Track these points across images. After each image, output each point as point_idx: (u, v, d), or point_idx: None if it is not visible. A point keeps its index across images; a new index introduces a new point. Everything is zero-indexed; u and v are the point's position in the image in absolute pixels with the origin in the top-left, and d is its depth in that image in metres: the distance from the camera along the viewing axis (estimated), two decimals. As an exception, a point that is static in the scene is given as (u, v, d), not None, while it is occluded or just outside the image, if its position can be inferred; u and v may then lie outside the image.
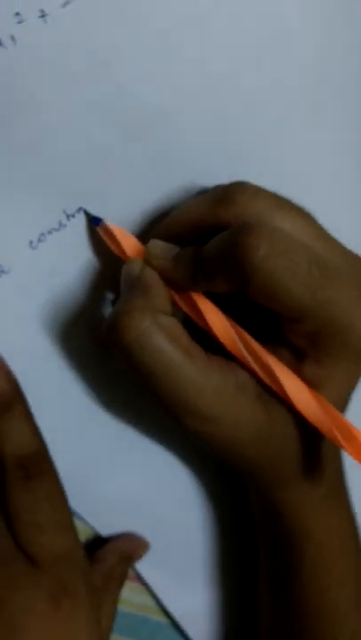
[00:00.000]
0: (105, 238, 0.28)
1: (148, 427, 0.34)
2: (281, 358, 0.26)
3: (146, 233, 0.29)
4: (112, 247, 0.28)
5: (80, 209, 0.28)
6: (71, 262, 0.29)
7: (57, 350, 0.30)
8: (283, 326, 0.26)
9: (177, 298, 0.27)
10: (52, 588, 0.26)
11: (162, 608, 0.36)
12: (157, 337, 0.24)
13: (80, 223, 0.29)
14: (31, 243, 0.28)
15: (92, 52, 0.26)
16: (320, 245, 0.25)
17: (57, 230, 0.28)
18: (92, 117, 0.27)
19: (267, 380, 0.26)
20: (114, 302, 0.31)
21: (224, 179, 0.27)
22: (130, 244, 0.28)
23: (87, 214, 0.28)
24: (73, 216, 0.28)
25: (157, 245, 0.27)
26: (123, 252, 0.28)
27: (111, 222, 0.28)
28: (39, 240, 0.28)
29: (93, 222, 0.28)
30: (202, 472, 0.35)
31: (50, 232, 0.28)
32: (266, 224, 0.24)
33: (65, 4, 0.24)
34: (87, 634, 0.27)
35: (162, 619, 0.37)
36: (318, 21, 0.28)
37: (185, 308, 0.27)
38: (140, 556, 0.33)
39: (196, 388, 0.25)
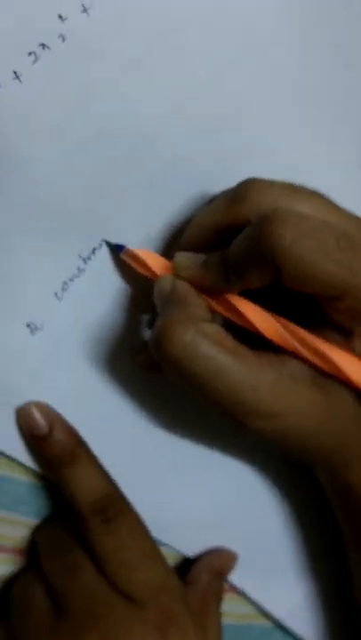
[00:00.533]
0: (131, 263, 0.29)
1: (208, 439, 0.34)
2: (328, 340, 0.26)
3: (168, 249, 0.30)
4: (140, 270, 0.28)
5: (94, 249, 0.29)
6: (99, 300, 0.30)
7: (106, 386, 0.31)
8: (323, 309, 0.26)
9: (213, 303, 0.27)
10: (156, 620, 0.26)
11: (263, 612, 0.36)
12: (203, 345, 0.24)
13: (97, 262, 0.29)
14: (56, 294, 0.28)
15: (67, 100, 0.26)
16: (341, 221, 0.25)
17: (77, 276, 0.29)
18: (80, 159, 0.27)
19: (319, 363, 0.26)
20: (150, 324, 0.31)
21: (227, 183, 0.28)
22: (157, 263, 0.28)
23: (109, 245, 0.29)
24: (89, 258, 0.29)
25: (184, 257, 0.27)
26: (151, 271, 0.28)
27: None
28: (63, 289, 0.28)
29: (117, 249, 0.29)
30: (269, 471, 0.35)
31: (71, 279, 0.28)
32: (287, 210, 0.24)
33: (35, 62, 0.25)
34: (200, 656, 0.27)
35: (265, 622, 0.37)
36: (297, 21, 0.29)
37: (223, 312, 0.27)
38: (231, 568, 0.34)
39: (252, 388, 0.25)
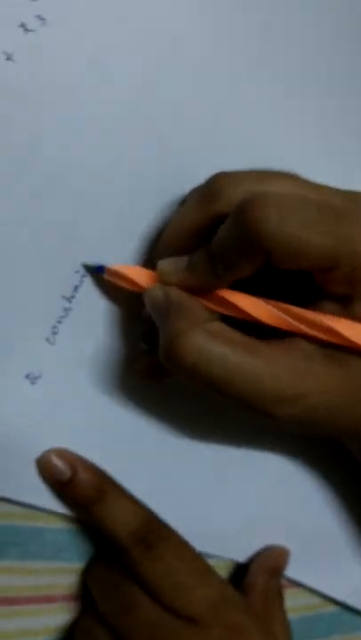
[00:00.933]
0: (116, 281, 0.28)
1: (233, 441, 0.34)
2: (329, 312, 0.26)
3: (148, 260, 0.30)
4: (126, 285, 0.28)
5: (76, 287, 0.29)
6: (91, 332, 0.30)
7: (121, 410, 0.31)
8: (317, 282, 0.26)
9: (205, 302, 0.26)
10: (222, 636, 0.26)
11: (327, 599, 0.36)
12: (215, 346, 0.24)
13: (82, 296, 0.29)
14: (48, 339, 0.28)
15: (9, 150, 0.26)
16: (319, 194, 0.25)
17: (65, 316, 0.29)
18: (36, 204, 0.27)
19: (327, 337, 0.25)
20: (146, 336, 0.30)
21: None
22: (140, 275, 0.28)
23: (88, 268, 0.29)
24: (73, 297, 0.29)
25: (167, 263, 0.27)
26: (137, 284, 0.28)
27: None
28: (53, 333, 0.28)
29: (98, 271, 0.28)
30: (299, 459, 0.35)
31: (60, 321, 0.28)
32: (263, 193, 0.24)
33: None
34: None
35: (332, 608, 0.37)
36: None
37: (217, 309, 0.27)
38: (286, 564, 0.34)
39: (271, 377, 0.24)
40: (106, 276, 0.29)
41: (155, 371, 0.29)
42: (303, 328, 0.26)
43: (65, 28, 0.26)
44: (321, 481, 0.36)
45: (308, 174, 0.27)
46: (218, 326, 0.25)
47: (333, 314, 0.26)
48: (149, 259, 0.29)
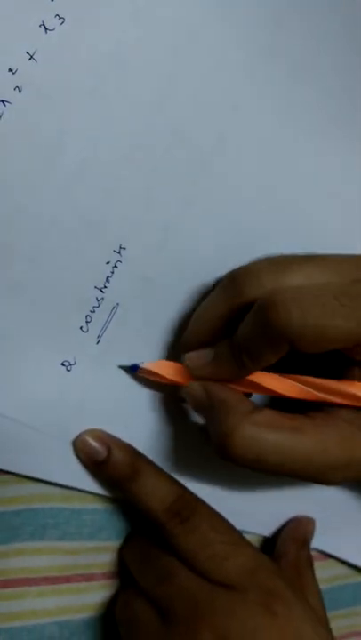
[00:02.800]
0: (149, 377, 0.30)
1: None
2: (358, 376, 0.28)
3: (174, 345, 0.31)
4: (159, 380, 0.30)
5: (108, 277, 0.30)
6: (123, 320, 0.31)
7: (150, 393, 0.32)
8: (346, 353, 0.27)
9: (236, 387, 0.28)
10: (260, 600, 0.27)
11: (352, 571, 0.37)
12: (268, 437, 0.26)
13: (114, 286, 0.30)
14: (82, 328, 0.30)
15: (35, 149, 0.27)
16: (336, 274, 0.27)
17: (98, 306, 0.30)
18: (66, 200, 0.28)
19: (352, 403, 0.27)
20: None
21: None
22: (171, 370, 0.30)
23: (123, 368, 0.30)
24: (105, 287, 0.30)
25: (194, 357, 0.29)
26: (171, 380, 0.30)
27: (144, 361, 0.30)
28: (87, 322, 0.30)
29: (133, 370, 0.30)
30: None
31: (93, 311, 0.30)
32: (281, 289, 0.26)
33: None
34: (311, 625, 0.28)
35: (358, 579, 0.38)
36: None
37: (248, 390, 0.29)
38: (312, 532, 0.35)
39: (321, 450, 0.26)
40: (140, 373, 0.30)
41: None
42: (329, 398, 0.27)
43: (83, 26, 0.27)
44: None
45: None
46: (265, 415, 0.27)
47: None
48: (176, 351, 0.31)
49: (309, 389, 0.28)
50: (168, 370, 0.30)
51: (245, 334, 0.26)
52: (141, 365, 0.30)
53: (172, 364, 0.30)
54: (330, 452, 0.26)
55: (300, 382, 0.28)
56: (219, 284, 0.29)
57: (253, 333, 0.26)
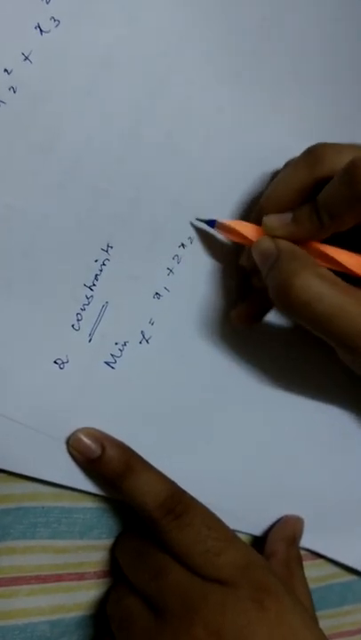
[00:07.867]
0: (223, 235, 0.32)
1: (248, 424, 0.35)
2: None
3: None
4: (233, 239, 0.31)
5: (96, 275, 0.30)
6: (113, 317, 0.31)
7: (139, 392, 0.32)
8: None
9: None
10: (252, 595, 0.28)
11: (339, 571, 0.38)
12: (326, 286, 0.27)
13: (102, 285, 0.30)
14: (73, 326, 0.30)
15: (29, 148, 0.28)
16: None
17: (88, 304, 0.30)
18: (57, 198, 0.29)
19: None
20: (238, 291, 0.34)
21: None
22: (247, 229, 0.31)
23: (201, 221, 0.32)
24: (94, 285, 0.30)
25: (273, 218, 0.30)
26: (245, 237, 0.31)
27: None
28: (78, 320, 0.30)
29: (210, 225, 0.31)
30: (310, 435, 0.37)
31: (83, 309, 0.30)
32: None
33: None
34: (301, 619, 0.28)
35: (343, 579, 0.39)
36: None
37: (318, 262, 0.29)
38: (301, 531, 0.35)
39: None
40: (216, 229, 0.31)
41: (250, 315, 0.33)
42: None
43: (78, 28, 0.28)
44: (330, 455, 0.37)
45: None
46: (327, 271, 0.28)
47: None
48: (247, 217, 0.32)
49: None
50: (245, 228, 0.31)
51: (330, 192, 0.28)
52: (219, 220, 0.31)
53: (248, 224, 0.31)
54: None
55: None
56: (294, 159, 0.30)
57: (338, 191, 0.27)
